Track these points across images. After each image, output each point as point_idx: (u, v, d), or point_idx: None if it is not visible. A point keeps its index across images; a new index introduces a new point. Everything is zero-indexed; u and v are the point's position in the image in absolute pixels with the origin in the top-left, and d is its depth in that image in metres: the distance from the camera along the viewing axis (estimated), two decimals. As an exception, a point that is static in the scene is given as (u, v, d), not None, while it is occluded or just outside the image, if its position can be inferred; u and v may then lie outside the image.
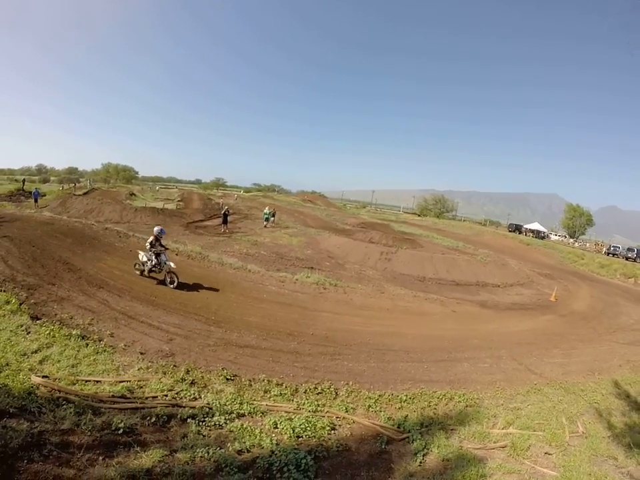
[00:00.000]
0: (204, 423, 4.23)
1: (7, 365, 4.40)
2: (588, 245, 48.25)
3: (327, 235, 22.84)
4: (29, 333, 5.54)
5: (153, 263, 9.40)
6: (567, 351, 9.61)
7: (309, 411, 5.05)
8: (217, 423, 4.31)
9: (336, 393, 5.97)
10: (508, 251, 30.43)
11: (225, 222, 21.90)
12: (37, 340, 5.34)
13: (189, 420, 4.20)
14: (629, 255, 35.19)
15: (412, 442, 4.66)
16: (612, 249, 38.47)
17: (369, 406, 5.67)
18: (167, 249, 9.91)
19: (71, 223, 14.21)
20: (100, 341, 6.00)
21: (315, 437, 4.43)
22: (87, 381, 4.59)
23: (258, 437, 4.16)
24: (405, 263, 17.50)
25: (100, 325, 6.61)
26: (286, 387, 5.80)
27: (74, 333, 5.86)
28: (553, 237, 51.43)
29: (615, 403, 6.80)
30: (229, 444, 3.90)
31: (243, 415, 4.67)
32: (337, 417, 5.13)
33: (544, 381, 7.45)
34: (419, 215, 61.46)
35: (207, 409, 4.52)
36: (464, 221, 63.18)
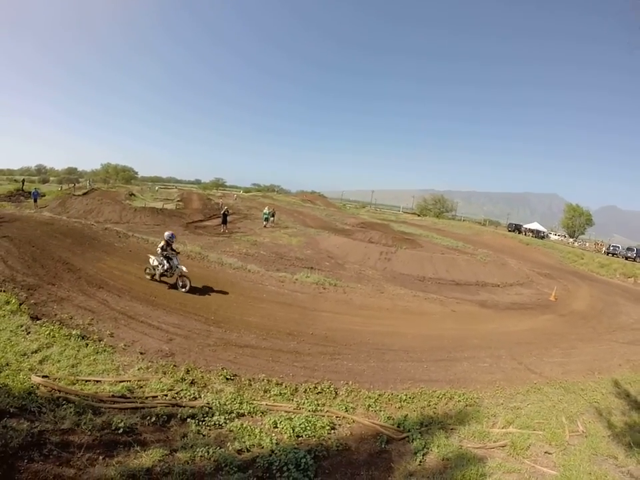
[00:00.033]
0: (204, 423, 4.24)
1: (7, 364, 4.41)
2: (587, 244, 48.29)
3: (326, 235, 22.85)
4: (29, 333, 5.55)
5: (165, 267, 9.32)
6: (566, 351, 9.62)
7: (309, 411, 5.05)
8: (217, 422, 4.31)
9: (336, 392, 5.97)
10: (507, 250, 30.45)
11: (224, 222, 21.90)
12: (37, 340, 5.34)
13: (188, 419, 4.20)
14: (629, 255, 35.21)
15: (412, 441, 4.66)
16: (611, 248, 38.50)
17: (369, 405, 5.68)
18: (178, 253, 9.83)
19: (70, 223, 14.20)
20: (100, 340, 6.00)
21: (314, 436, 4.43)
22: (87, 381, 4.59)
23: (258, 436, 4.17)
24: (404, 263, 17.51)
25: (100, 325, 6.61)
26: (286, 387, 5.80)
27: (74, 333, 5.87)
28: (553, 237, 51.46)
29: (615, 402, 6.81)
30: (228, 443, 3.91)
31: (243, 415, 4.68)
32: (337, 417, 5.13)
33: (544, 380, 7.46)
34: (418, 215, 61.48)
35: (207, 409, 4.52)
36: (463, 220, 63.21)
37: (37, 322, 6.01)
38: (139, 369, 5.28)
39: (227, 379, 5.69)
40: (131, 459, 3.28)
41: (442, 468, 4.11)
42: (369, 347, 7.89)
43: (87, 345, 5.67)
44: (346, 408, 5.45)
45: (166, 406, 4.41)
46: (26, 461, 2.84)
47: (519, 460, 4.45)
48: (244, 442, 3.99)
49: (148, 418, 4.04)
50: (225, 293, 9.78)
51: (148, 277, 9.65)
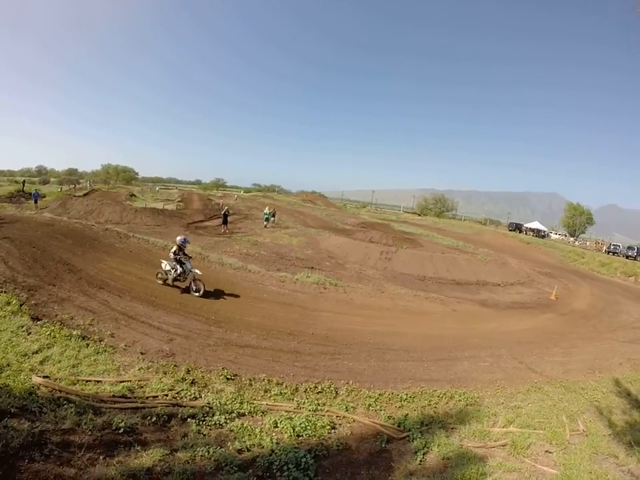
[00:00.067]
0: (204, 422, 4.24)
1: (8, 365, 4.42)
2: (588, 243, 48.21)
3: (327, 235, 22.85)
4: (30, 333, 5.56)
5: (178, 271, 9.23)
6: (567, 350, 9.61)
7: (309, 410, 5.06)
8: (217, 422, 4.32)
9: (336, 392, 5.98)
10: (508, 250, 30.42)
11: (225, 222, 21.91)
12: (38, 340, 5.36)
13: (189, 419, 4.21)
14: (629, 254, 35.14)
15: (412, 441, 4.66)
16: (612, 247, 38.43)
17: (369, 405, 5.68)
18: (190, 257, 9.69)
19: (71, 224, 14.23)
20: (100, 341, 6.01)
21: (315, 435, 4.44)
22: (87, 381, 4.60)
23: (258, 436, 4.17)
24: (405, 263, 17.50)
25: (100, 326, 6.62)
26: (286, 386, 5.81)
27: (74, 333, 5.88)
28: (553, 236, 51.39)
29: (616, 401, 6.80)
30: (229, 443, 3.91)
31: (243, 414, 4.68)
32: (337, 416, 5.14)
33: (544, 380, 7.45)
34: (419, 215, 61.45)
35: (207, 409, 4.53)
36: (464, 220, 63.15)
37: (38, 322, 6.02)
38: (139, 369, 5.30)
39: (228, 378, 5.70)
40: (131, 458, 3.28)
41: (442, 467, 4.11)
42: (369, 347, 7.89)
43: (88, 345, 5.68)
44: (346, 407, 5.46)
45: (166, 406, 4.42)
46: (27, 460, 2.84)
47: (520, 459, 4.45)
48: (244, 441, 4.00)
49: (148, 418, 4.05)
50: (226, 293, 9.78)
51: (160, 282, 9.49)
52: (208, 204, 36.33)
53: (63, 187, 47.24)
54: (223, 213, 22.51)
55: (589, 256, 31.73)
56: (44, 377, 4.33)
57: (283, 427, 4.44)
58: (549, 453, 4.64)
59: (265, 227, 24.12)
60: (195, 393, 4.90)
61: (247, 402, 4.96)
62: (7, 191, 33.80)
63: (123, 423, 3.70)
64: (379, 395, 6.03)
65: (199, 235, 19.38)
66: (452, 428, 5.16)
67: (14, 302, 6.45)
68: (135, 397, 4.49)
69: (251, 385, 5.73)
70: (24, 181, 40.41)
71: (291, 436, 4.30)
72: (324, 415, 5.01)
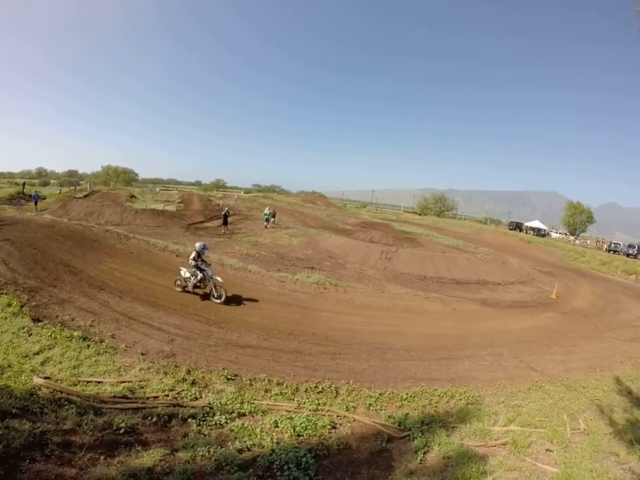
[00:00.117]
0: (205, 423, 4.25)
1: (9, 366, 4.44)
2: (589, 242, 48.17)
3: (327, 235, 22.85)
4: (31, 334, 5.58)
5: (199, 278, 9.14)
6: (568, 348, 9.60)
7: (310, 410, 5.06)
8: (218, 422, 4.33)
9: (337, 391, 5.98)
10: (508, 249, 30.41)
11: (225, 223, 21.94)
12: (39, 342, 5.37)
13: (189, 419, 4.21)
14: (630, 252, 35.14)
15: (413, 440, 4.66)
16: (613, 245, 38.40)
17: (370, 404, 5.68)
18: (209, 264, 9.57)
19: (71, 225, 14.25)
20: (101, 342, 6.03)
21: (315, 435, 4.44)
22: (88, 382, 4.61)
23: (259, 435, 4.18)
24: (405, 262, 17.50)
25: (101, 327, 6.64)
26: (287, 386, 5.81)
27: (75, 334, 5.89)
28: (554, 235, 51.36)
29: (617, 399, 6.78)
30: (229, 443, 3.92)
31: (244, 414, 4.69)
32: (338, 416, 5.14)
33: (545, 378, 7.45)
34: (419, 214, 61.45)
35: (208, 409, 4.54)
36: (464, 219, 63.14)
37: (39, 324, 6.04)
38: (140, 370, 5.31)
39: (228, 379, 5.71)
40: (132, 458, 3.29)
41: (443, 466, 4.11)
42: (369, 346, 7.89)
43: (89, 346, 5.70)
44: (347, 407, 5.46)
45: (167, 406, 4.42)
46: (28, 461, 2.85)
47: (520, 458, 4.44)
48: (245, 441, 4.01)
49: (149, 418, 4.06)
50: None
51: (178, 289, 9.36)
52: (208, 205, 36.36)
53: (62, 188, 47.29)
54: (223, 213, 22.54)
55: (589, 254, 31.71)
56: (45, 377, 4.34)
57: (283, 427, 4.45)
58: (550, 451, 4.64)
59: (265, 227, 24.14)
60: (195, 393, 4.91)
61: (248, 402, 4.96)
62: (7, 193, 33.86)
63: (123, 423, 3.71)
64: (380, 394, 6.03)
65: (199, 236, 19.39)
66: (452, 427, 5.16)
67: (15, 303, 6.47)
68: (136, 398, 4.50)
69: (252, 385, 5.73)
70: (24, 183, 40.47)
71: (291, 436, 4.31)
72: (324, 415, 5.01)
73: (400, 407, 5.83)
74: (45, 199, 30.89)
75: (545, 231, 50.19)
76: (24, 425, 3.21)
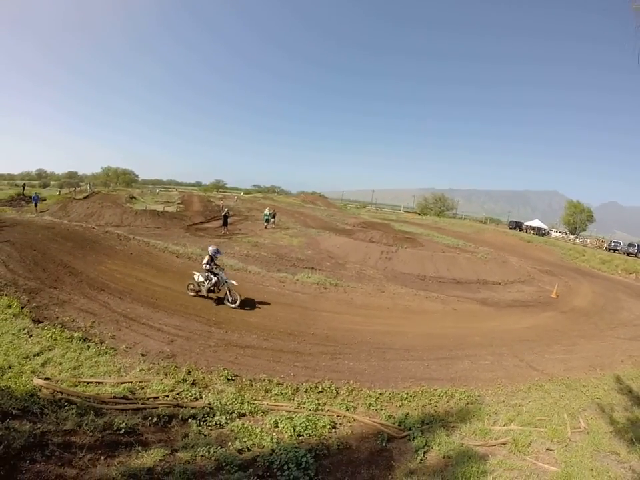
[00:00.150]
0: (205, 423, 4.26)
1: (10, 367, 4.44)
2: (589, 241, 48.16)
3: (327, 235, 22.86)
4: (31, 336, 5.59)
5: (213, 282, 9.05)
6: (568, 347, 9.60)
7: (310, 410, 5.07)
8: (218, 422, 4.34)
9: (337, 391, 5.98)
10: (508, 248, 30.40)
11: (225, 224, 21.94)
12: (39, 343, 5.38)
13: (190, 420, 4.22)
14: (630, 251, 35.14)
15: (413, 439, 4.66)
16: (613, 244, 38.42)
17: (370, 404, 5.68)
18: (222, 268, 9.44)
19: (71, 226, 14.27)
20: (101, 343, 6.04)
21: (315, 435, 4.44)
22: (88, 383, 4.62)
23: (259, 436, 4.18)
24: (405, 262, 17.51)
25: (101, 328, 6.64)
26: (287, 387, 5.82)
27: (75, 335, 5.90)
28: (554, 234, 51.36)
29: (617, 398, 6.78)
30: (229, 443, 3.93)
31: (244, 415, 4.70)
32: (338, 416, 5.14)
33: (545, 378, 7.45)
34: (419, 214, 61.44)
35: (208, 409, 4.54)
36: (464, 219, 63.13)
37: (39, 325, 6.05)
38: (140, 371, 5.31)
39: (228, 379, 5.72)
40: (132, 459, 3.30)
41: (443, 466, 4.11)
42: (369, 346, 7.90)
43: (89, 347, 5.71)
44: (347, 407, 5.46)
45: (167, 407, 4.43)
46: (28, 461, 2.86)
47: (521, 457, 4.44)
48: (245, 441, 4.01)
49: (149, 418, 4.06)
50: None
51: (191, 293, 9.27)
52: (208, 206, 36.35)
53: (62, 190, 47.33)
54: (223, 214, 22.53)
55: (589, 253, 31.70)
56: (45, 378, 4.35)
57: (283, 427, 4.45)
58: (550, 450, 4.64)
59: (265, 227, 24.15)
60: (195, 394, 4.92)
61: (248, 402, 4.97)
62: (7, 194, 33.91)
63: (124, 424, 3.72)
64: (380, 394, 6.03)
65: (199, 237, 19.41)
66: (453, 426, 5.16)
67: (15, 305, 6.48)
68: (136, 398, 4.51)
69: (252, 385, 5.74)
70: (24, 185, 40.51)
71: (291, 435, 4.31)
72: (324, 415, 5.02)
73: (400, 406, 5.83)
74: (44, 200, 30.92)
75: (545, 230, 50.20)
76: (24, 425, 3.22)
